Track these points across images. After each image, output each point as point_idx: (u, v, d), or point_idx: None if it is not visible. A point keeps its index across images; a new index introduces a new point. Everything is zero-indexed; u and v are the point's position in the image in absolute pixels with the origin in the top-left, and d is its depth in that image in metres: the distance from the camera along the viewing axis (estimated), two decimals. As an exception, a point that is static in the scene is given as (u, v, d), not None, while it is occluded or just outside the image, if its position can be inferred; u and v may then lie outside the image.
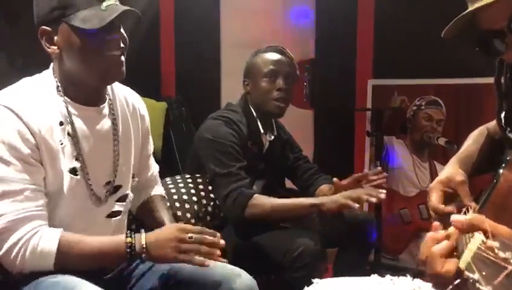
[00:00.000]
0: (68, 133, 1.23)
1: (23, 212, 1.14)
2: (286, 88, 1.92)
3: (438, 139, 2.77)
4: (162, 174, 1.92)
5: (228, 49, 2.88)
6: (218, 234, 1.22)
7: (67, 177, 1.22)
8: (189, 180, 1.84)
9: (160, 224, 1.41)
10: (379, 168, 2.11)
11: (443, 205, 1.13)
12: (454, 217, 0.75)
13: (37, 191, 1.17)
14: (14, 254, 1.13)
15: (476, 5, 0.90)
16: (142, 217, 1.55)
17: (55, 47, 1.21)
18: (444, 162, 2.88)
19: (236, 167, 1.79)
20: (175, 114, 2.66)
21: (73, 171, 1.23)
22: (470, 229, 0.73)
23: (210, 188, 1.85)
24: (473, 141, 1.25)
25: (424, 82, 2.94)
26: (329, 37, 3.13)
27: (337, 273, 1.96)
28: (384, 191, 1.73)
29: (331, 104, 3.13)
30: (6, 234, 1.13)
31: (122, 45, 1.22)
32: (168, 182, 1.85)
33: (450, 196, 1.15)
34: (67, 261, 1.16)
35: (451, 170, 1.17)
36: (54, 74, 1.26)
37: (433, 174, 2.96)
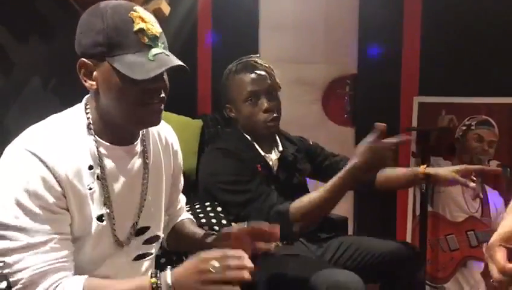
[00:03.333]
0: (98, 177, 1.16)
1: (47, 265, 1.07)
2: (271, 105, 1.75)
3: (490, 162, 2.62)
4: (197, 193, 1.87)
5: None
6: (245, 255, 1.10)
7: (94, 224, 1.15)
8: (209, 209, 1.74)
9: (201, 242, 1.33)
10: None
11: (510, 264, 0.99)
12: None
13: (63, 240, 1.10)
14: None
15: None
16: (176, 246, 1.48)
17: (93, 82, 1.13)
18: (496, 187, 2.78)
19: (252, 188, 1.67)
20: (210, 132, 2.58)
21: (100, 218, 1.16)
22: None
23: (232, 217, 1.73)
24: None
25: (475, 100, 2.77)
26: (373, 51, 3.01)
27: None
28: None
29: (374, 122, 2.99)
30: (31, 288, 1.06)
31: (163, 95, 1.14)
32: (197, 209, 1.75)
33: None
34: None
35: (510, 223, 1.04)
36: (86, 109, 1.19)
37: (483, 199, 2.79)
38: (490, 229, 2.68)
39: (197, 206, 1.77)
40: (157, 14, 2.21)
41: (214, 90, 2.78)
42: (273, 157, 1.84)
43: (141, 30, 1.09)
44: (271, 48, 2.87)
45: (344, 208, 2.72)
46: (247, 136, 1.81)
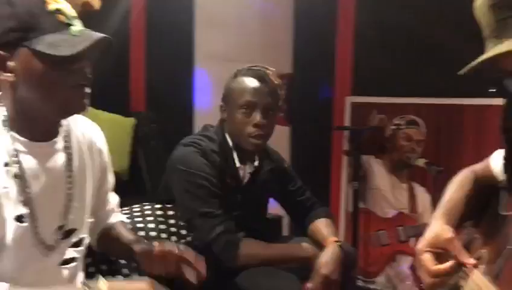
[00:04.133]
0: (15, 175, 1.07)
1: None
2: (264, 123, 1.67)
3: (417, 160, 2.72)
4: (128, 195, 1.79)
5: (202, 62, 2.76)
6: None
7: (12, 225, 1.07)
8: (159, 212, 1.67)
9: (129, 248, 1.26)
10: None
11: (440, 266, 1.03)
12: None
13: None
14: None
15: (505, 48, 0.81)
16: (106, 250, 1.40)
17: (10, 74, 1.05)
18: (423, 183, 2.90)
19: (216, 204, 1.62)
20: (144, 131, 2.52)
21: (19, 218, 1.08)
22: None
23: (183, 223, 1.68)
24: (456, 188, 1.17)
25: (404, 101, 2.89)
26: (308, 52, 3.06)
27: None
28: None
29: (309, 121, 3.05)
30: None
31: (88, 75, 1.08)
32: (136, 213, 1.68)
33: (440, 256, 1.05)
34: None
35: (437, 228, 1.08)
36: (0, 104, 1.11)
37: (411, 195, 2.90)
38: (418, 224, 2.80)
39: (136, 212, 1.69)
40: (86, 7, 2.11)
41: (148, 87, 2.72)
42: (247, 169, 1.79)
43: (57, 10, 1.04)
44: (206, 44, 2.85)
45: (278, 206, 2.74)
46: (229, 140, 1.75)
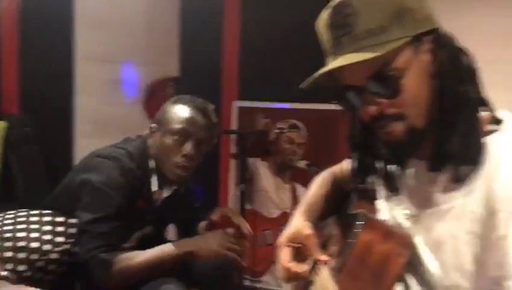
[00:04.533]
0: None
1: None
2: (193, 155, 1.64)
3: (299, 162, 2.87)
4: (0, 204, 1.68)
5: (83, 63, 2.65)
6: None
7: None
8: (34, 218, 1.55)
9: None
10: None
11: (294, 263, 1.10)
12: None
13: None
14: None
15: (338, 64, 0.88)
16: None
17: None
18: (305, 184, 3.05)
19: (116, 230, 1.55)
20: (16, 135, 2.36)
21: None
22: None
23: (61, 229, 1.56)
24: (317, 187, 1.25)
25: (287, 106, 3.01)
26: (195, 56, 3.06)
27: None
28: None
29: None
30: None
31: None
32: (7, 219, 1.55)
33: (299, 250, 1.13)
34: None
35: (297, 224, 1.15)
36: None
37: (294, 195, 3.05)
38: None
39: (8, 219, 1.56)
40: None
41: (21, 90, 2.54)
42: (163, 194, 1.74)
43: None
44: (88, 46, 2.73)
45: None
46: (150, 164, 1.68)
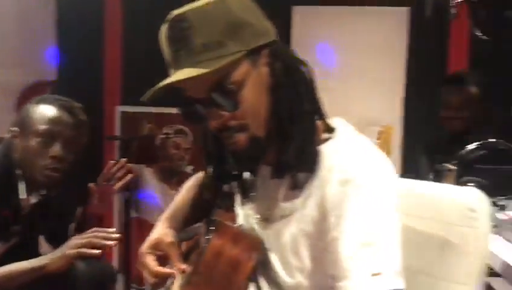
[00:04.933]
0: None
1: None
2: (63, 156, 1.57)
3: (186, 167, 2.88)
4: None
5: None
6: None
7: None
8: None
9: None
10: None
11: (159, 268, 1.10)
12: None
13: None
14: None
15: (174, 78, 0.89)
16: None
17: None
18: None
19: None
20: None
21: None
22: None
23: None
24: (183, 192, 1.25)
25: (172, 110, 3.00)
26: (74, 60, 2.95)
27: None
28: (114, 230, 1.53)
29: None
30: None
31: None
32: None
33: (163, 257, 1.13)
34: None
35: (160, 231, 1.16)
36: None
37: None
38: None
39: None
40: None
41: None
42: (31, 200, 1.61)
43: None
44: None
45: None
46: (16, 171, 1.55)
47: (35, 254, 1.69)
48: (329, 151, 0.95)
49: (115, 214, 3.05)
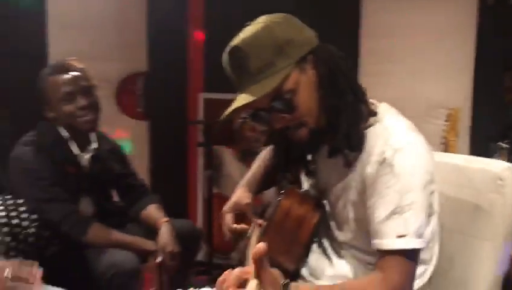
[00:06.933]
0: None
1: None
2: (88, 102, 1.87)
3: (261, 148, 3.10)
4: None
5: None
6: (35, 265, 1.28)
7: None
8: (9, 202, 1.80)
9: None
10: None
11: (235, 225, 1.35)
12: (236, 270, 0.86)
13: None
14: None
15: (240, 103, 1.11)
16: None
17: None
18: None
19: (59, 191, 1.82)
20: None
21: None
22: (247, 275, 0.85)
23: (25, 215, 1.79)
24: (259, 162, 1.49)
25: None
26: (161, 51, 3.24)
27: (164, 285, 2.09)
28: None
29: (165, 115, 3.28)
30: None
31: None
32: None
33: (241, 216, 1.38)
34: None
35: (239, 194, 1.41)
36: None
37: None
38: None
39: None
40: None
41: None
42: (86, 156, 1.95)
43: None
44: (62, 46, 2.89)
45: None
46: (62, 133, 1.89)
47: (105, 208, 2.03)
48: (371, 135, 1.15)
49: (199, 189, 3.38)
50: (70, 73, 1.87)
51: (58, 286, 1.47)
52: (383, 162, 1.10)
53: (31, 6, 2.78)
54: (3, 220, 1.72)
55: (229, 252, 3.27)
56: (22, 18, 2.75)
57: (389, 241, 1.07)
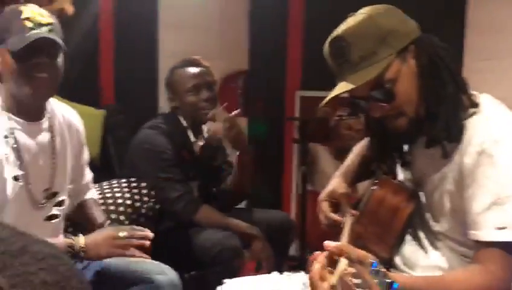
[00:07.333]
0: (12, 146, 1.39)
1: None
2: (211, 96, 2.06)
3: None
4: (100, 179, 2.08)
5: (165, 60, 3.04)
6: (147, 229, 1.42)
7: (10, 183, 1.38)
8: (124, 185, 2.01)
9: (93, 224, 1.61)
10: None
11: (332, 213, 1.39)
12: (326, 243, 0.88)
13: None
14: None
15: (342, 89, 1.14)
16: (78, 219, 1.72)
17: None
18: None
19: (176, 172, 1.99)
20: (113, 121, 2.80)
21: (16, 178, 1.39)
22: (338, 253, 0.86)
23: (145, 191, 2.01)
24: (355, 154, 1.51)
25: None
26: (262, 50, 3.36)
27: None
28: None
29: (263, 112, 3.39)
30: None
31: (47, 71, 1.38)
32: (105, 187, 2.01)
33: (336, 205, 1.42)
34: None
35: (335, 184, 1.44)
36: None
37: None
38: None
39: (105, 186, 2.02)
40: (61, 13, 2.39)
41: (116, 82, 2.99)
42: (199, 143, 2.14)
43: (27, 18, 1.36)
44: (170, 44, 3.11)
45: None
46: (182, 122, 2.09)
47: (211, 193, 2.17)
48: (471, 126, 1.13)
49: (293, 187, 3.44)
50: (199, 68, 2.07)
51: (165, 262, 1.60)
52: (482, 152, 1.07)
53: (146, 8, 3.04)
54: (120, 201, 1.92)
55: (321, 248, 3.33)
56: (136, 21, 3.00)
57: (487, 232, 1.04)
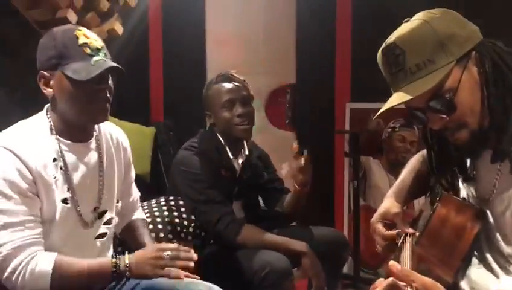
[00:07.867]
0: (60, 168, 1.40)
1: (23, 240, 1.30)
2: (245, 111, 2.01)
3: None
4: (151, 195, 2.09)
5: (213, 75, 3.04)
6: (192, 250, 1.39)
7: (59, 206, 1.39)
8: (172, 203, 2.00)
9: (140, 244, 1.60)
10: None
11: (389, 231, 1.31)
12: (392, 263, 0.81)
13: (35, 222, 1.33)
14: (15, 276, 1.29)
15: (396, 101, 1.07)
16: (126, 239, 1.72)
17: (51, 90, 1.40)
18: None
19: (215, 193, 1.94)
20: (163, 138, 2.82)
21: (65, 201, 1.40)
22: (406, 282, 0.79)
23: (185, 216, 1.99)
24: (408, 169, 1.42)
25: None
26: (309, 63, 3.31)
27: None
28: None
29: (312, 126, 3.32)
30: (9, 260, 1.29)
31: (108, 95, 1.41)
32: (153, 204, 2.01)
33: (390, 226, 1.33)
34: (61, 282, 1.32)
35: (388, 204, 1.36)
36: (47, 114, 1.44)
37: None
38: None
39: (153, 203, 2.02)
40: (112, 33, 2.44)
41: (165, 99, 3.02)
42: (239, 161, 2.09)
43: (84, 44, 1.37)
44: (217, 59, 3.13)
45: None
46: (220, 139, 2.06)
47: (254, 212, 2.11)
48: None
49: (345, 202, 3.34)
50: (233, 83, 2.04)
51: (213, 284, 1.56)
52: None
53: (193, 25, 3.06)
54: (167, 219, 1.91)
55: (376, 267, 3.20)
56: (183, 37, 3.02)
57: None
